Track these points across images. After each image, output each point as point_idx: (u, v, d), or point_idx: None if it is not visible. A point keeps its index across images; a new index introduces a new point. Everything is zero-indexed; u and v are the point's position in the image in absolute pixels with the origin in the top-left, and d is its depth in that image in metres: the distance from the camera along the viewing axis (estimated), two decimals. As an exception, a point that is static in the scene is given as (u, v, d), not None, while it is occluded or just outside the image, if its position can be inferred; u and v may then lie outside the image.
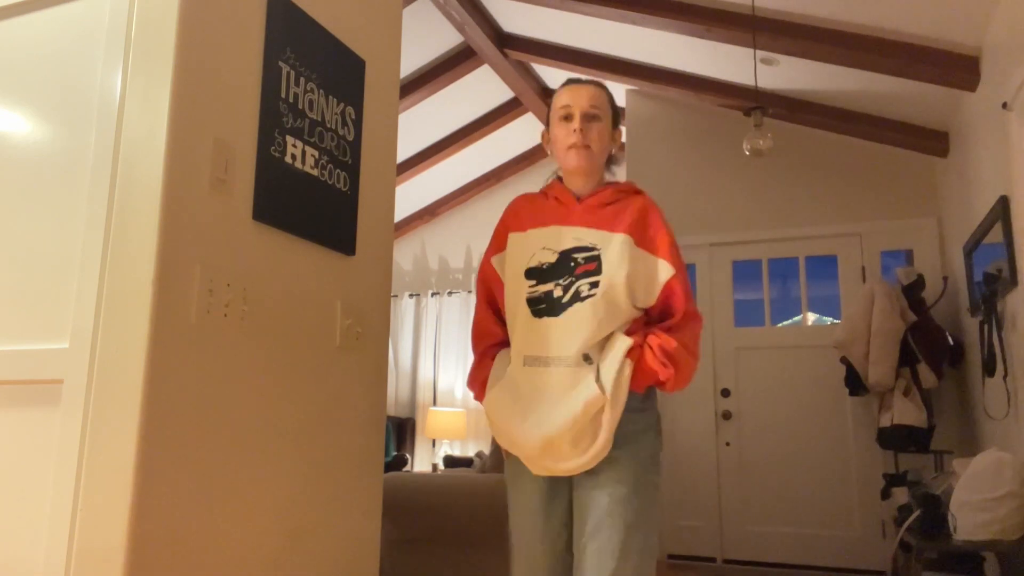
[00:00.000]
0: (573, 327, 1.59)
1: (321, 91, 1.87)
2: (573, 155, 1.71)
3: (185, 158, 1.48)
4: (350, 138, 1.97)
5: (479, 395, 1.73)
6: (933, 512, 2.98)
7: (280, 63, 1.73)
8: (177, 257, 1.44)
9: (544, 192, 1.80)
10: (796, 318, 4.81)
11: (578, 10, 4.07)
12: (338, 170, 1.91)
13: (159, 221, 1.41)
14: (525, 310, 1.65)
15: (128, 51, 1.53)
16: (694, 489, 4.73)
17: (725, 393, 4.77)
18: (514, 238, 1.74)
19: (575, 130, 1.70)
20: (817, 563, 4.41)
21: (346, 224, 1.94)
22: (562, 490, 1.65)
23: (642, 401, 1.63)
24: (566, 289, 1.63)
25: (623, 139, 1.90)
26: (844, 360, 4.23)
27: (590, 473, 1.58)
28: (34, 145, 1.61)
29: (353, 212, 1.97)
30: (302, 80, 1.80)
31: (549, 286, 1.64)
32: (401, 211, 6.85)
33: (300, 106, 1.79)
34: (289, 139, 1.74)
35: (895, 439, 3.95)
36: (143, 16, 1.52)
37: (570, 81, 1.78)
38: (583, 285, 1.62)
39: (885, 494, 3.93)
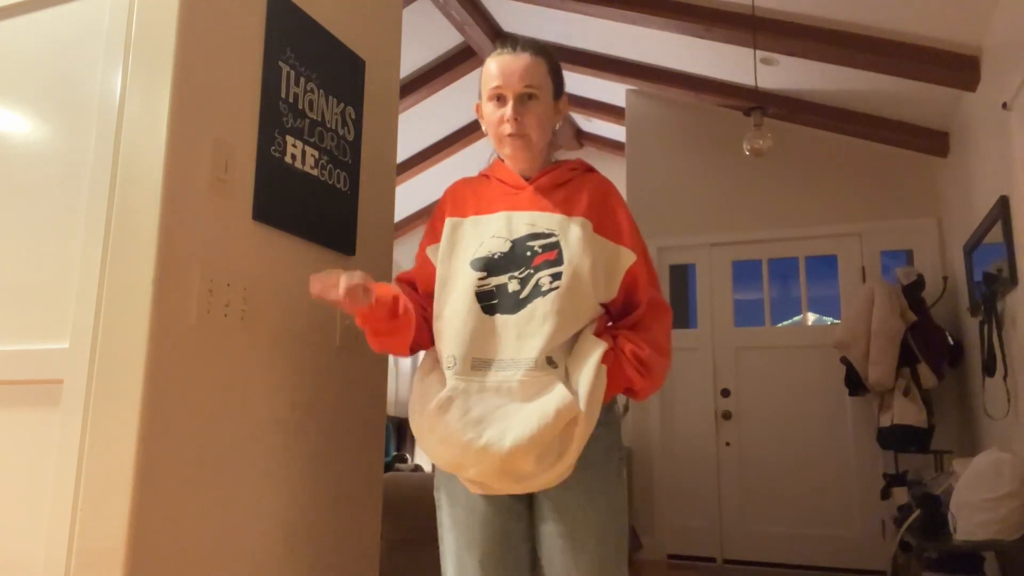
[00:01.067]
0: (534, 325, 1.36)
1: (321, 91, 1.87)
2: (508, 144, 1.49)
3: (185, 158, 1.48)
4: (350, 138, 1.97)
5: (379, 343, 1.47)
6: (933, 512, 2.98)
7: (280, 63, 1.73)
8: (177, 257, 1.44)
9: (486, 174, 1.58)
10: (796, 318, 4.81)
11: (578, 10, 4.07)
12: (338, 170, 1.91)
13: (159, 221, 1.41)
14: (473, 305, 1.39)
15: (128, 51, 1.53)
16: (694, 489, 4.73)
17: (725, 393, 4.77)
18: (452, 226, 1.50)
19: (510, 118, 1.46)
20: (817, 563, 4.41)
21: (346, 224, 1.94)
22: (522, 506, 1.42)
23: (606, 413, 1.41)
24: (523, 282, 1.40)
25: (568, 111, 1.63)
26: (844, 360, 4.23)
27: (554, 497, 1.38)
28: (34, 145, 1.61)
29: (353, 212, 1.97)
30: (302, 80, 1.80)
31: (502, 279, 1.41)
32: (401, 211, 6.85)
33: (300, 106, 1.79)
34: (289, 139, 1.74)
35: (895, 439, 3.95)
36: (143, 16, 1.52)
37: (500, 46, 1.51)
38: (543, 277, 1.39)
39: (885, 494, 3.94)
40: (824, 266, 4.75)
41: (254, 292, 1.63)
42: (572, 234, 1.42)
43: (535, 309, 1.37)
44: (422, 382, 1.44)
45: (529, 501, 1.43)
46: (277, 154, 1.70)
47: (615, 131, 6.07)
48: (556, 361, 1.36)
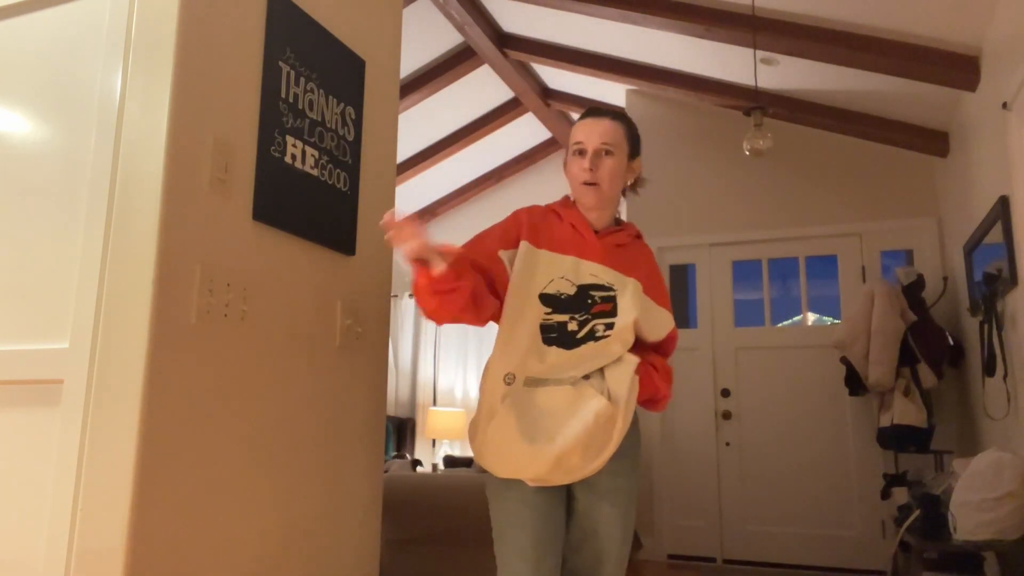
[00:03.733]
0: (584, 362, 1.63)
1: (321, 91, 1.86)
2: (583, 192, 1.73)
3: (185, 158, 1.48)
4: (350, 138, 1.97)
5: (434, 301, 1.58)
6: (933, 512, 2.98)
7: (280, 63, 1.73)
8: (177, 257, 1.44)
9: (558, 213, 1.78)
10: (796, 318, 4.81)
11: (578, 10, 4.07)
12: (338, 170, 1.91)
13: (159, 221, 1.41)
14: (536, 334, 1.64)
15: (128, 51, 1.53)
16: (694, 489, 4.73)
17: (725, 393, 4.77)
18: (528, 249, 1.70)
19: (586, 168, 1.71)
20: (817, 563, 4.41)
21: (346, 224, 1.94)
22: (558, 500, 1.67)
23: (633, 414, 1.71)
24: (581, 325, 1.65)
25: (641, 171, 1.85)
26: (844, 360, 4.23)
27: (591, 483, 1.65)
28: (34, 145, 1.61)
29: (353, 212, 1.97)
30: (302, 80, 1.80)
31: (564, 317, 1.65)
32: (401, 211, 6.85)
33: (300, 106, 1.79)
34: (289, 139, 1.74)
35: (895, 439, 3.95)
36: (143, 16, 1.52)
37: (587, 114, 1.78)
38: (599, 325, 1.65)
39: (885, 494, 3.94)
40: (824, 266, 4.75)
41: (254, 292, 1.63)
42: (627, 292, 1.68)
43: (588, 350, 1.64)
44: (484, 401, 1.65)
45: (568, 487, 1.68)
46: (277, 154, 1.70)
47: (615, 131, 6.06)
48: (591, 376, 1.63)
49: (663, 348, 1.79)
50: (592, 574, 1.67)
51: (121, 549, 1.31)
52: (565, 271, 1.69)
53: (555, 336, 1.64)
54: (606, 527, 1.67)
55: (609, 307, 1.67)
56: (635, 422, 1.74)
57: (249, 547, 1.57)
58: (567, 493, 1.70)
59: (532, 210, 1.78)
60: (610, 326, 1.65)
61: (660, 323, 1.76)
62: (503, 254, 1.71)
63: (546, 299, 1.66)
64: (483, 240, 1.73)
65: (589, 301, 1.67)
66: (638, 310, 1.68)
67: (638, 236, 1.84)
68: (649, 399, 1.72)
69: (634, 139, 1.81)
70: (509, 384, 1.62)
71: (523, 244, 1.70)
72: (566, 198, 1.81)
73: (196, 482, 1.45)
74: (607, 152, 1.72)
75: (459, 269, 1.56)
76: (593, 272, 1.69)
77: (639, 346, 1.74)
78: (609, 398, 1.59)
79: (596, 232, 1.75)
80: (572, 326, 1.65)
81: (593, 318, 1.66)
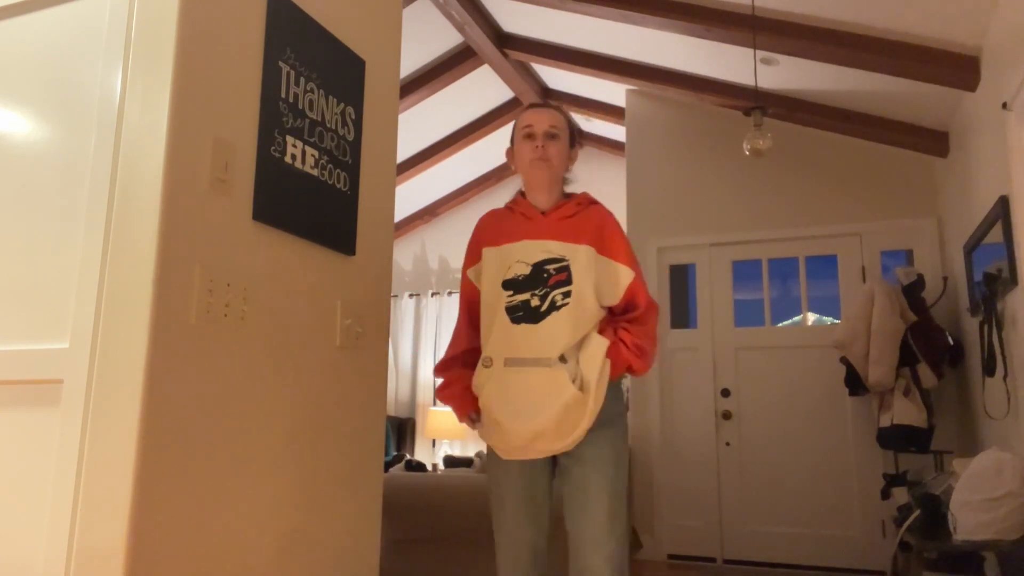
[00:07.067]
0: (552, 333, 1.79)
1: (321, 91, 1.87)
2: (535, 167, 1.91)
3: (185, 158, 1.48)
4: (350, 138, 1.97)
5: (444, 383, 1.96)
6: (933, 512, 2.98)
7: (280, 63, 1.73)
8: (177, 257, 1.44)
9: (510, 208, 1.98)
10: (796, 318, 4.81)
11: (578, 10, 4.07)
12: (338, 170, 1.91)
13: (159, 221, 1.41)
14: (504, 317, 1.84)
15: (128, 51, 1.53)
16: (694, 489, 4.73)
17: (725, 393, 4.77)
18: (488, 252, 1.92)
19: (537, 146, 1.90)
20: (817, 563, 4.41)
21: (346, 224, 1.94)
22: (543, 471, 1.88)
23: (613, 388, 1.86)
24: (542, 299, 1.82)
25: (576, 159, 2.07)
26: (844, 360, 4.23)
27: (578, 454, 1.81)
28: (34, 145, 1.61)
29: (353, 212, 1.97)
30: (302, 80, 1.80)
31: (525, 296, 1.83)
32: (401, 211, 6.85)
33: (300, 106, 1.79)
34: (289, 139, 1.74)
35: (895, 439, 3.95)
36: (143, 16, 1.52)
37: (532, 105, 2.00)
38: (557, 295, 1.82)
39: (885, 494, 3.93)
40: (824, 266, 4.75)
41: (254, 292, 1.63)
42: (579, 259, 1.83)
43: (553, 320, 1.80)
44: (476, 386, 1.89)
45: (553, 460, 1.89)
46: (277, 154, 1.70)
47: (615, 131, 6.07)
48: (567, 358, 1.78)
49: (632, 308, 1.87)
50: (579, 545, 1.81)
51: (121, 549, 1.31)
52: (520, 255, 1.87)
53: (521, 314, 1.83)
54: (596, 492, 1.80)
55: (564, 276, 1.83)
56: (617, 394, 1.89)
57: (249, 547, 1.57)
58: (555, 468, 1.89)
59: (488, 216, 2.01)
60: (567, 294, 1.81)
61: (616, 279, 1.85)
62: (471, 272, 1.97)
63: (507, 284, 1.86)
64: (464, 271, 2.00)
65: (544, 275, 1.84)
66: (593, 272, 1.83)
67: (592, 202, 1.96)
68: (625, 371, 1.86)
69: (573, 130, 2.02)
70: (488, 367, 1.84)
71: (484, 251, 1.93)
72: (517, 193, 2.00)
73: (196, 482, 1.45)
74: (554, 136, 1.92)
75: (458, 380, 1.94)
76: (545, 248, 1.86)
77: (612, 318, 1.88)
78: (581, 383, 1.77)
79: (544, 213, 1.92)
80: (534, 302, 1.82)
81: (551, 290, 1.83)
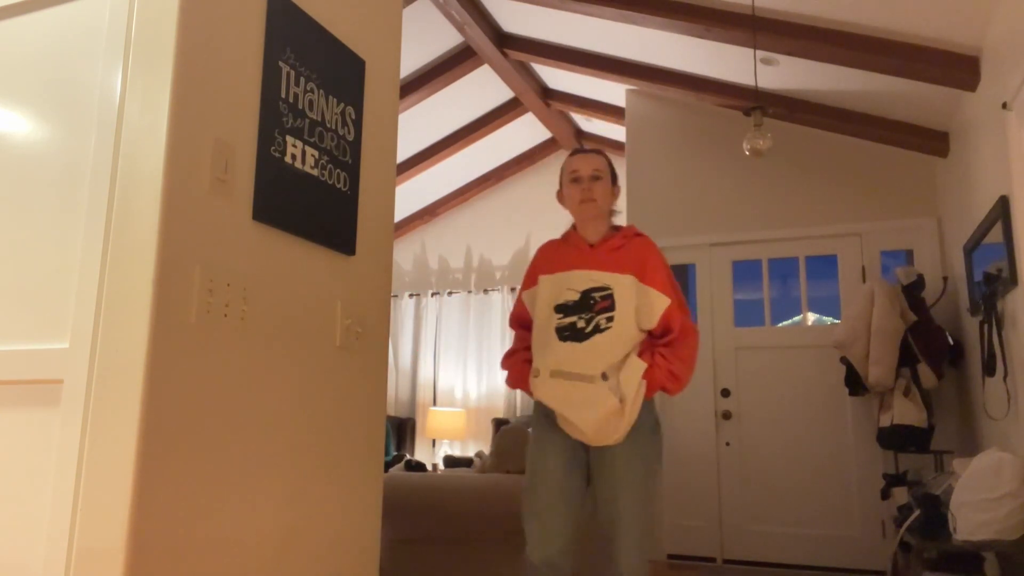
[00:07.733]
0: (595, 352, 2.04)
1: (321, 91, 1.87)
2: (583, 208, 2.19)
3: (185, 158, 1.48)
4: (350, 138, 1.97)
5: (507, 353, 2.31)
6: (933, 512, 2.98)
7: (280, 63, 1.73)
8: (177, 257, 1.44)
9: (565, 239, 2.27)
10: (796, 318, 4.81)
11: (578, 10, 4.07)
12: (338, 170, 1.91)
13: (159, 221, 1.41)
14: (553, 336, 2.10)
15: (128, 51, 1.53)
16: (694, 489, 4.73)
17: (725, 393, 4.77)
18: (544, 280, 2.20)
19: (584, 188, 2.18)
20: (817, 563, 4.41)
21: (346, 224, 1.94)
22: (581, 458, 2.12)
23: (647, 405, 2.11)
24: (588, 322, 2.07)
25: (621, 192, 2.38)
26: (844, 360, 4.23)
27: (610, 458, 2.06)
28: (34, 145, 1.61)
29: (353, 212, 1.97)
30: (302, 80, 1.80)
31: (573, 319, 2.09)
32: (401, 211, 6.85)
33: (300, 106, 1.79)
34: (289, 139, 1.74)
35: (895, 439, 3.94)
36: (143, 16, 1.52)
37: (576, 151, 2.27)
38: (601, 319, 2.07)
39: (885, 494, 3.93)
40: (824, 266, 4.75)
41: (254, 292, 1.63)
42: (622, 288, 2.09)
43: (596, 342, 2.06)
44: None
45: (589, 462, 2.12)
46: (277, 154, 1.70)
47: (615, 131, 6.07)
48: (609, 375, 2.03)
49: (667, 332, 2.11)
50: (611, 532, 2.04)
51: (121, 549, 1.31)
52: (571, 283, 2.14)
53: (568, 334, 2.08)
54: (624, 493, 2.04)
55: (608, 303, 2.08)
56: (651, 408, 2.13)
57: (249, 547, 1.57)
58: (588, 469, 2.12)
59: (547, 246, 2.31)
60: (611, 319, 2.06)
61: (653, 306, 2.09)
62: (526, 295, 2.27)
63: (559, 308, 2.13)
64: (520, 293, 2.30)
65: (591, 302, 2.09)
66: (634, 299, 2.08)
67: (636, 234, 2.21)
68: (659, 390, 2.10)
69: (613, 170, 2.29)
70: (536, 377, 2.12)
71: (540, 279, 2.22)
72: (570, 227, 2.27)
73: (196, 482, 1.45)
74: (597, 178, 2.20)
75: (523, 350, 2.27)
76: (591, 278, 2.12)
77: (652, 341, 2.13)
78: (621, 398, 2.01)
79: (593, 245, 2.19)
80: (580, 324, 2.08)
81: (597, 315, 2.08)
